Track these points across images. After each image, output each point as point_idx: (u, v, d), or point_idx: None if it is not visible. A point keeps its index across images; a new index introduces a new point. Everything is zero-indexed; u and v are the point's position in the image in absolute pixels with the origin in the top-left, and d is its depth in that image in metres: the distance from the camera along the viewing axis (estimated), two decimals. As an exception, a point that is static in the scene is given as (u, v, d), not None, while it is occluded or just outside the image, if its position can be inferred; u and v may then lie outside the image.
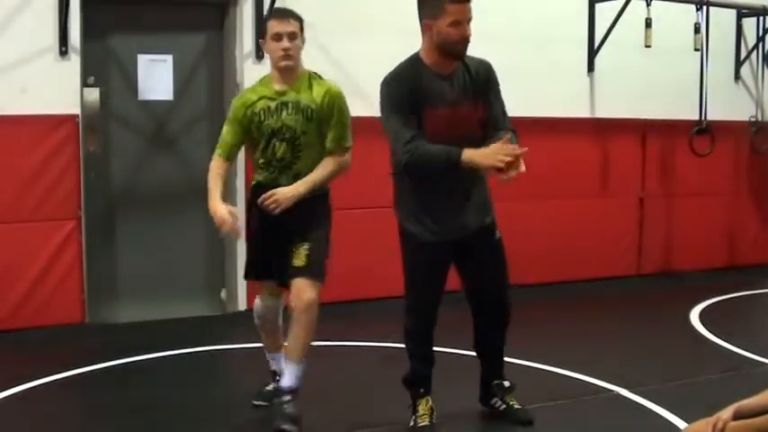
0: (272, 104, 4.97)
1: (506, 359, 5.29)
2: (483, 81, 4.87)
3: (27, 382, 5.75)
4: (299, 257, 4.88)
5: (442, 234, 4.85)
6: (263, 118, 4.96)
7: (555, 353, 6.49)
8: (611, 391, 5.71)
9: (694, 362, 6.55)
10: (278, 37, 5.00)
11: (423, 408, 5.00)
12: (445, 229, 4.85)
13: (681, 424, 4.87)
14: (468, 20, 4.63)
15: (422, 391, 5.03)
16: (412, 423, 4.97)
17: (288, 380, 4.96)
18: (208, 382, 6.07)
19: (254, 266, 5.17)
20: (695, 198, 9.76)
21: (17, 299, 6.94)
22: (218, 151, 5.09)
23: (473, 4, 4.71)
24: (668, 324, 7.76)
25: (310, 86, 5.09)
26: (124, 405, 5.43)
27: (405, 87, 4.74)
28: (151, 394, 5.65)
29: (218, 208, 4.89)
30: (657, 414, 5.23)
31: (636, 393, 5.59)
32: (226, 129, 5.08)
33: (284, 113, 4.96)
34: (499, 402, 5.19)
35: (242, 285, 7.79)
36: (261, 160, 5.06)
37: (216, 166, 5.07)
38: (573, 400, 5.61)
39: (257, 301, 5.22)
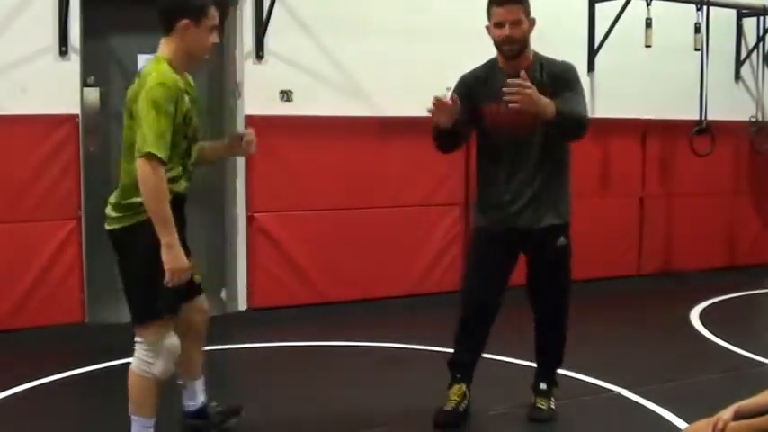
0: (188, 97, 4.32)
1: (503, 359, 5.29)
2: (552, 79, 4.90)
3: (27, 382, 5.75)
4: (198, 272, 4.55)
5: (494, 221, 4.97)
6: (191, 114, 4.31)
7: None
8: (612, 391, 5.71)
9: (695, 362, 6.56)
10: None
11: (453, 392, 5.09)
12: (496, 215, 4.95)
13: (681, 424, 4.87)
14: (513, 21, 4.78)
15: (457, 376, 5.13)
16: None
17: (203, 395, 4.76)
18: (208, 382, 6.06)
19: (176, 298, 4.27)
20: (695, 198, 9.75)
21: (17, 299, 6.93)
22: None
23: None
24: (668, 324, 7.77)
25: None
26: (124, 405, 5.41)
27: (464, 84, 5.07)
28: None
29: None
30: (658, 414, 5.23)
31: (636, 393, 5.59)
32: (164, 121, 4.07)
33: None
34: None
35: (242, 285, 7.79)
36: (180, 168, 4.29)
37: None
38: (573, 400, 5.61)
39: (174, 341, 4.26)
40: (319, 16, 7.88)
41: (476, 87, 4.97)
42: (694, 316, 7.91)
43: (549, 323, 5.25)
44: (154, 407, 4.24)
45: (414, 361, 6.43)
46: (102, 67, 7.44)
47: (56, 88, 7.01)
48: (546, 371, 5.32)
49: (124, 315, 7.36)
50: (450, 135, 4.95)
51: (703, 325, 7.59)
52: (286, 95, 7.78)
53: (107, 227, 4.25)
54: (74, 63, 7.10)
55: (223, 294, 7.96)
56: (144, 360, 4.19)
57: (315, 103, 7.82)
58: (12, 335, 6.82)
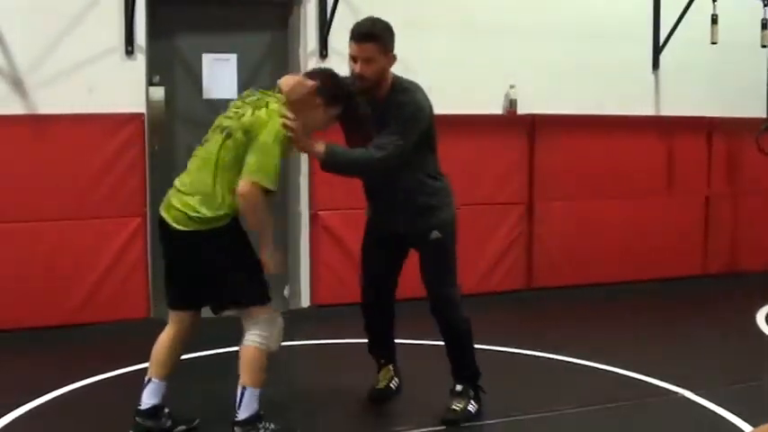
0: None
1: (570, 359, 5.26)
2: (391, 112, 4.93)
3: (94, 375, 5.86)
4: None
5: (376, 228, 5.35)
6: None
7: (618, 354, 6.44)
8: (676, 393, 5.66)
9: (760, 364, 6.47)
10: None
11: (382, 375, 5.51)
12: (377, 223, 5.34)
13: (746, 427, 4.82)
14: (364, 59, 4.83)
15: (382, 361, 5.55)
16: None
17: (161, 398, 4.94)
18: (268, 377, 6.10)
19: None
20: (762, 197, 9.61)
21: (84, 294, 7.05)
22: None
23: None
24: (734, 325, 7.67)
25: None
26: (188, 399, 5.48)
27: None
28: (216, 388, 5.69)
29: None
30: (722, 417, 5.17)
31: (700, 396, 5.53)
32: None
33: None
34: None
35: (305, 282, 7.85)
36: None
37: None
38: (636, 401, 5.57)
39: (282, 320, 4.81)
40: (382, 15, 7.83)
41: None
42: (760, 317, 7.80)
43: (439, 325, 5.29)
44: (264, 378, 4.68)
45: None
46: (168, 66, 7.53)
47: (122, 87, 7.12)
48: (455, 370, 5.32)
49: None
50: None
51: (770, 327, 7.51)
52: (350, 94, 7.80)
53: (185, 228, 4.56)
54: (140, 62, 7.20)
55: (286, 291, 8.00)
56: (263, 335, 4.63)
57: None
58: (80, 329, 6.95)
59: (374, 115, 4.91)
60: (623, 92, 8.86)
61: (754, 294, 8.61)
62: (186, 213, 4.56)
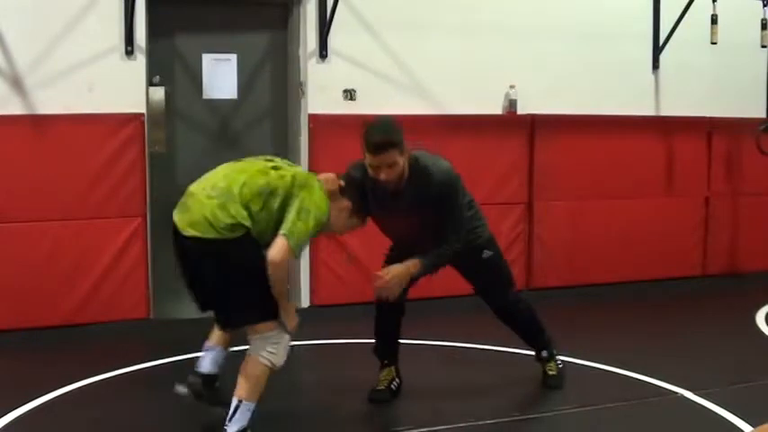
0: None
1: (569, 359, 5.27)
2: (429, 199, 5.18)
3: (93, 375, 5.86)
4: None
5: None
6: None
7: (618, 354, 6.45)
8: (676, 393, 5.66)
9: (760, 365, 6.47)
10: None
11: (383, 375, 5.59)
12: None
13: (745, 427, 4.82)
14: (388, 164, 4.95)
15: (385, 362, 5.64)
16: None
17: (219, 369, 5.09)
18: (272, 376, 6.11)
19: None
20: (762, 198, 9.60)
21: (84, 294, 7.05)
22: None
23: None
24: (734, 326, 7.67)
25: None
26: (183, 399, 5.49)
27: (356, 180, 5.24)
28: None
29: None
30: (722, 417, 5.17)
31: (700, 396, 5.53)
32: None
33: None
34: None
35: (305, 282, 7.84)
36: None
37: None
38: (636, 401, 5.58)
39: (289, 337, 4.77)
40: (382, 15, 7.90)
41: (365, 185, 5.14)
42: (760, 318, 7.80)
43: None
44: (261, 394, 4.62)
45: (476, 360, 6.44)
46: (168, 66, 7.53)
47: (122, 87, 7.12)
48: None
49: (188, 311, 7.50)
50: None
51: (769, 327, 7.51)
52: (349, 94, 7.82)
53: (205, 235, 4.52)
54: (139, 62, 7.20)
55: (285, 292, 8.00)
56: (270, 351, 4.59)
57: (378, 102, 7.83)
58: (79, 329, 6.95)
59: (396, 197, 5.10)
60: (623, 92, 8.86)
61: (754, 295, 8.62)
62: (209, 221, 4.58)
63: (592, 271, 8.63)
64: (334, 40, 7.72)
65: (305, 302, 7.86)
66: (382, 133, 4.95)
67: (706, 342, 7.11)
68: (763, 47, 8.79)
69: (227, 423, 4.55)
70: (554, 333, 5.90)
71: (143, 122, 7.19)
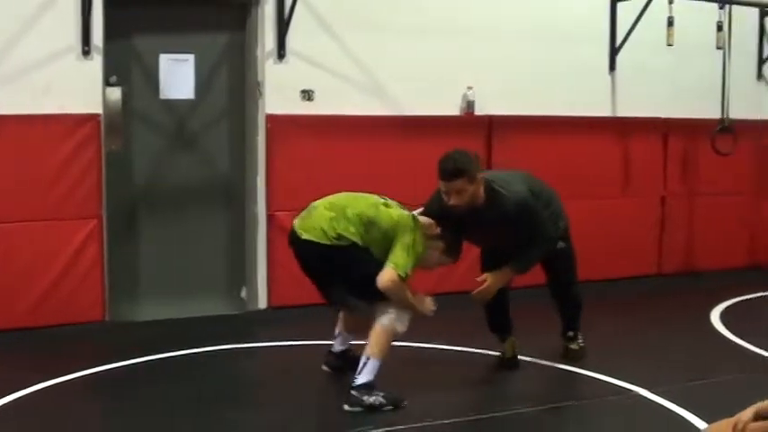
0: None
1: (527, 359, 5.29)
2: (509, 219, 5.74)
3: (48, 379, 5.78)
4: None
5: None
6: None
7: (575, 353, 6.49)
8: (632, 391, 5.70)
9: (715, 362, 6.53)
10: None
11: (508, 345, 6.31)
12: None
13: (701, 425, 4.85)
14: (456, 191, 5.49)
15: (504, 335, 6.33)
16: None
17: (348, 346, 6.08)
18: (228, 380, 6.09)
19: None
20: (717, 197, 9.71)
21: (39, 297, 6.97)
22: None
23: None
24: (689, 324, 7.75)
25: None
26: (144, 403, 5.45)
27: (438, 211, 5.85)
28: (172, 392, 5.67)
29: None
30: (678, 414, 5.21)
31: (656, 394, 5.57)
32: None
33: None
34: None
35: (262, 283, 7.81)
36: None
37: None
38: (593, 400, 5.61)
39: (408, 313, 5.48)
40: (341, 16, 7.89)
41: (446, 211, 5.66)
42: (715, 316, 7.88)
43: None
44: (388, 353, 5.37)
45: (435, 360, 6.45)
46: (125, 66, 7.48)
47: (78, 88, 7.05)
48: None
49: (145, 313, 7.50)
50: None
51: (724, 325, 7.57)
52: (307, 95, 7.80)
53: (332, 243, 5.41)
54: (96, 62, 7.14)
55: (243, 293, 7.98)
56: (395, 318, 5.36)
57: (336, 102, 7.84)
58: (33, 332, 6.87)
59: (476, 217, 5.63)
60: (580, 93, 8.91)
61: (710, 293, 8.71)
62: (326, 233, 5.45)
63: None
64: (292, 40, 7.70)
65: (262, 304, 7.82)
66: (452, 163, 5.49)
67: (662, 340, 7.16)
68: (719, 48, 8.89)
69: (355, 376, 5.31)
70: (513, 333, 5.95)
71: (99, 123, 7.13)
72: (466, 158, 5.56)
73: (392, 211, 5.48)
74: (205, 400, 5.53)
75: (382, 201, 5.57)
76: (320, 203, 5.57)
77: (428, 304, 5.55)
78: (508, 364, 6.23)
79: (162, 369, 6.21)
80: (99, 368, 6.13)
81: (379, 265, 5.33)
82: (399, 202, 5.68)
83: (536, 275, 6.25)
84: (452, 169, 5.47)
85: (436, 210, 5.70)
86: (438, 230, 5.63)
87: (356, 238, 5.37)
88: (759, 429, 3.37)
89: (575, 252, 6.41)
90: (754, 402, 3.48)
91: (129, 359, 6.27)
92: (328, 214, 5.43)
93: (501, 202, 5.65)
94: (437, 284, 7.10)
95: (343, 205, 5.48)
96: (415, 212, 5.64)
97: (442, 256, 5.74)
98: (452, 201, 5.52)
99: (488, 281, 5.79)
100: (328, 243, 5.37)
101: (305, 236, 5.45)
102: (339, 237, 5.35)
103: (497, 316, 6.27)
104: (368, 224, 5.40)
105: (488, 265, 5.97)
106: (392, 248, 5.35)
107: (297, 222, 5.58)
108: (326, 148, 7.78)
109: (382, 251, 5.39)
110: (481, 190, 5.60)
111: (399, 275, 5.28)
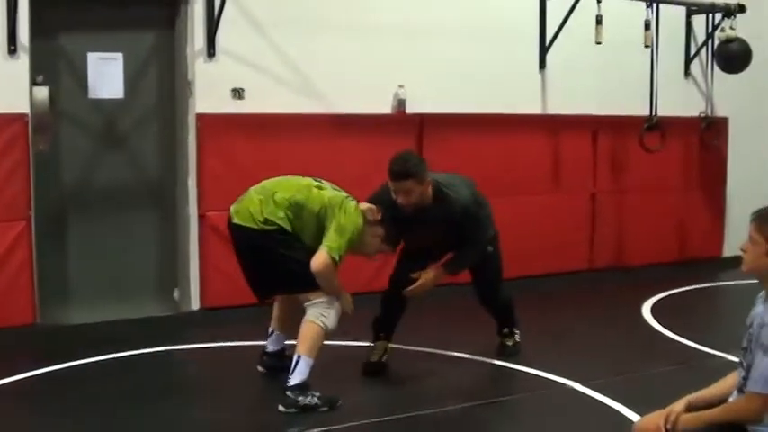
0: None
1: (459, 354, 5.31)
2: (454, 221, 5.95)
3: (-22, 384, 5.69)
4: None
5: None
6: None
7: (508, 348, 6.53)
8: (564, 385, 5.75)
9: (646, 355, 6.62)
10: None
11: (378, 347, 6.17)
12: None
13: (634, 417, 4.91)
14: (404, 191, 5.70)
15: (381, 334, 6.22)
16: None
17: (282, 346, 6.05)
18: (162, 382, 6.03)
19: None
20: (646, 193, 9.84)
21: (-34, 301, 6.85)
22: None
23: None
24: (620, 318, 7.84)
25: None
26: (76, 407, 5.38)
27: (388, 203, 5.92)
28: (105, 396, 5.60)
29: None
30: (610, 407, 5.28)
31: (589, 387, 5.64)
32: None
33: None
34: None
35: (195, 284, 7.74)
36: None
37: None
38: (524, 394, 5.66)
39: (338, 306, 5.49)
40: (271, 14, 7.85)
41: (393, 204, 5.78)
42: (646, 310, 7.99)
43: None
44: (319, 351, 5.34)
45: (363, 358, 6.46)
46: (52, 65, 7.37)
47: (4, 87, 6.93)
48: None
49: (76, 316, 7.39)
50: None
51: (655, 318, 7.67)
52: (238, 93, 7.75)
53: (259, 227, 5.43)
54: (23, 62, 7.02)
55: (176, 294, 7.91)
56: (323, 315, 5.35)
57: (266, 100, 7.80)
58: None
59: (422, 215, 5.81)
60: (511, 91, 8.96)
61: (640, 287, 8.82)
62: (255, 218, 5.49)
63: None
64: (222, 38, 7.64)
65: (195, 305, 7.76)
66: (401, 164, 5.72)
67: (594, 334, 7.25)
68: (647, 47, 9.01)
69: (289, 376, 5.28)
70: (442, 329, 5.97)
71: (27, 123, 7.02)
72: (416, 160, 5.83)
73: (324, 193, 5.51)
74: (139, 402, 5.48)
75: (315, 183, 5.60)
76: (253, 188, 5.63)
77: (349, 302, 5.55)
78: (370, 368, 6.08)
79: (95, 372, 6.13)
80: (30, 373, 6.03)
81: (308, 254, 5.33)
82: (334, 183, 5.72)
83: (467, 274, 6.29)
84: (402, 171, 5.69)
85: (386, 200, 5.77)
86: (380, 216, 5.64)
87: (284, 224, 5.39)
88: (690, 420, 3.43)
89: (501, 256, 6.50)
90: (686, 394, 3.55)
91: (61, 363, 6.18)
92: (257, 197, 5.49)
93: (449, 203, 5.84)
94: (367, 283, 7.11)
95: (272, 189, 5.52)
96: (362, 205, 5.62)
97: (383, 244, 5.77)
98: (400, 200, 5.71)
99: (423, 278, 5.91)
100: (256, 227, 5.41)
101: (235, 220, 5.54)
102: (266, 221, 5.39)
103: (391, 316, 6.19)
104: (297, 208, 5.42)
105: (409, 265, 6.05)
106: (325, 231, 5.36)
107: (232, 207, 5.65)
108: (258, 146, 7.73)
109: (314, 237, 5.40)
110: (429, 191, 5.80)
111: (333, 258, 5.28)
